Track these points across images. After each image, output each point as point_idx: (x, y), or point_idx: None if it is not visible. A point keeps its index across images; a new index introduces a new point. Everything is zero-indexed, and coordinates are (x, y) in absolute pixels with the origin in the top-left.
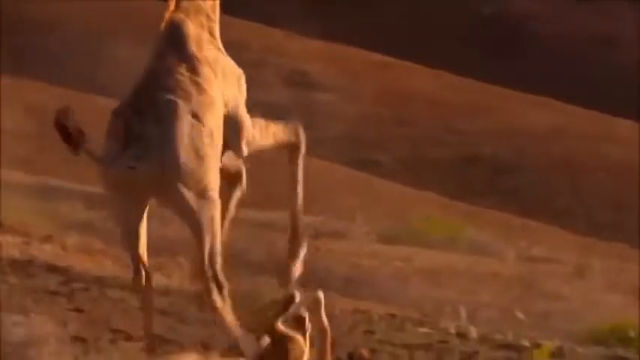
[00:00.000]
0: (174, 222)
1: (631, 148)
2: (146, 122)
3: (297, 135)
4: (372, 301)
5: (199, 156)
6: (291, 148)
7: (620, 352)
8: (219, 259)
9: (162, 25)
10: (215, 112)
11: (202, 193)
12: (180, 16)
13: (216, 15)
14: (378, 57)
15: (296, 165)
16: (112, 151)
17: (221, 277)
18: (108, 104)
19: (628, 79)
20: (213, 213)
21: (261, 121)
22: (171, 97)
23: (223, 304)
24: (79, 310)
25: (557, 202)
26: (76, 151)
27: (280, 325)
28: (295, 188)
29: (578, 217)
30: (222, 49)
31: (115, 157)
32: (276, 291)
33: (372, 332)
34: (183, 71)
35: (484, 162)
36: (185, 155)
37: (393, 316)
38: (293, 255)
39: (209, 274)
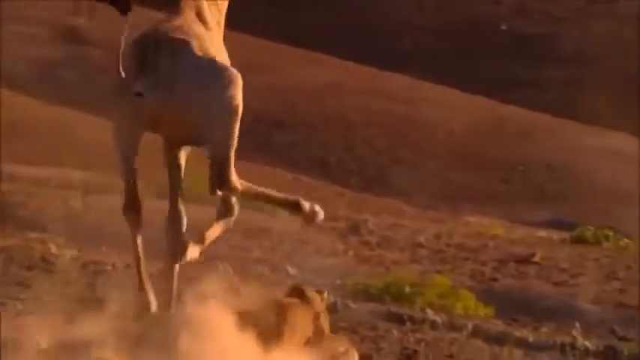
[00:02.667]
0: None
1: (404, 103)
2: (162, 54)
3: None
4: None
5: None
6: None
7: (394, 308)
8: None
9: None
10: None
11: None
12: None
13: None
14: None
15: None
16: (126, 76)
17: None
18: None
19: (404, 32)
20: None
21: None
22: (186, 37)
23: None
24: None
25: (330, 157)
26: (124, 12)
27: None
28: None
29: (351, 173)
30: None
31: (127, 84)
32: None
33: None
34: (197, 23)
35: (257, 118)
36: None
37: None
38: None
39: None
